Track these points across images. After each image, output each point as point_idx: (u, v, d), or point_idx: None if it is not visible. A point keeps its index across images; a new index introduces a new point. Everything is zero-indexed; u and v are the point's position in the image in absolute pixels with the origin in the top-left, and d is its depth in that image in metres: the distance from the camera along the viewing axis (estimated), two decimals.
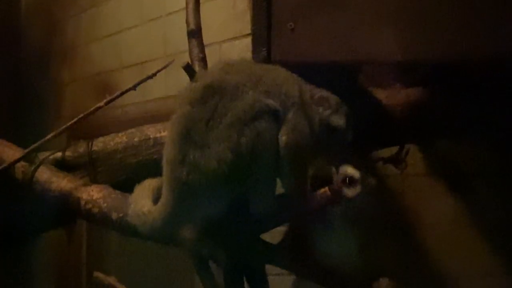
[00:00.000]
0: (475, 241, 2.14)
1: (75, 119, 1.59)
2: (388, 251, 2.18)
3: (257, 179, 1.30)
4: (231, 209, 1.33)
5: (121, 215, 1.46)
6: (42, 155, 1.73)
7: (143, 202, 1.39)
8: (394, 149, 1.89)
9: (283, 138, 1.32)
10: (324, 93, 1.40)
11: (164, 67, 1.61)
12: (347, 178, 1.30)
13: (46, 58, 3.36)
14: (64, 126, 1.58)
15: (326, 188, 1.28)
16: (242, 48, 2.38)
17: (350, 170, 1.31)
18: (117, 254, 2.81)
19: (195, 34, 1.76)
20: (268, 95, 1.33)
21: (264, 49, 1.45)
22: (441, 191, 2.17)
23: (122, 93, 1.61)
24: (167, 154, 1.33)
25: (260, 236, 1.43)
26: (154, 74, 1.62)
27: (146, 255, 2.54)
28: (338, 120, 1.39)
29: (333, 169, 1.32)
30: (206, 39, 2.08)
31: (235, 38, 2.48)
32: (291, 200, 1.33)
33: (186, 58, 1.78)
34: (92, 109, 1.58)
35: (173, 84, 2.28)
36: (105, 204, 1.51)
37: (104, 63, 3.02)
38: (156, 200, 1.38)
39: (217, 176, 1.27)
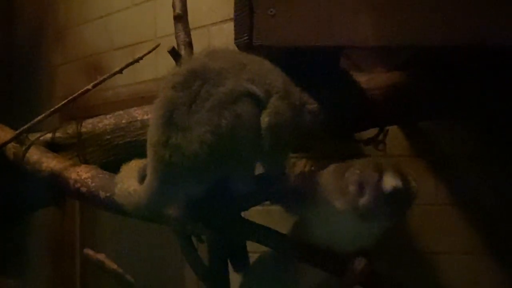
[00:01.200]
0: (456, 220, 2.19)
1: (64, 102, 1.64)
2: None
3: (237, 160, 1.35)
4: (213, 188, 1.38)
5: (108, 194, 1.51)
6: (33, 136, 1.77)
7: (129, 182, 1.44)
8: (374, 131, 1.95)
9: (265, 120, 1.37)
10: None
11: (150, 51, 1.65)
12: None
13: (38, 40, 3.38)
14: (53, 109, 1.63)
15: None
16: (231, 31, 2.41)
17: (390, 181, 1.36)
18: (111, 231, 2.87)
19: (181, 18, 1.79)
20: (252, 83, 1.38)
21: (245, 34, 1.49)
22: (423, 171, 2.22)
23: (109, 76, 1.66)
24: (151, 136, 1.37)
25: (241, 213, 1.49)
26: (140, 58, 1.66)
27: (139, 233, 2.60)
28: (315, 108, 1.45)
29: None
30: (194, 22, 2.11)
31: (223, 21, 2.51)
32: (270, 180, 1.39)
33: (175, 41, 1.83)
34: (80, 91, 1.63)
35: (163, 66, 2.31)
36: (93, 184, 1.57)
37: (96, 45, 3.05)
38: (141, 180, 1.43)
39: (198, 157, 1.32)
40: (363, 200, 1.39)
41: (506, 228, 2.13)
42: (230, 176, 1.39)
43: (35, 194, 1.79)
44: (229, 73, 1.37)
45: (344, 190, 1.40)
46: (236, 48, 1.53)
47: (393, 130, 2.18)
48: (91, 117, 1.95)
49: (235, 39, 1.53)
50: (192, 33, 1.83)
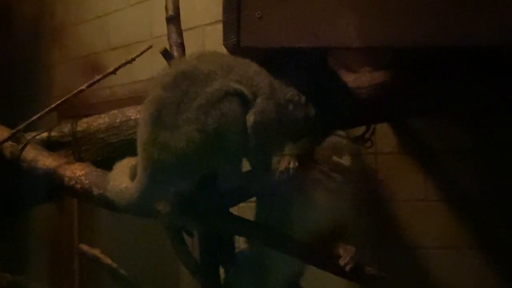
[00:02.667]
0: (445, 215, 2.22)
1: (58, 102, 1.68)
2: (361, 226, 2.28)
3: (224, 157, 1.40)
4: (201, 184, 1.43)
5: (101, 191, 1.56)
6: (29, 135, 1.82)
7: (121, 179, 1.49)
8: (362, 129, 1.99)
9: (250, 118, 1.42)
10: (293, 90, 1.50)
11: (142, 52, 1.69)
12: None
13: (36, 40, 3.42)
14: (47, 108, 1.68)
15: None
16: None
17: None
18: (108, 228, 2.91)
19: (173, 19, 1.83)
20: (239, 84, 1.43)
21: (233, 36, 1.53)
22: (412, 168, 2.26)
23: (104, 77, 1.70)
24: (140, 135, 1.42)
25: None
26: (133, 59, 1.70)
27: (137, 229, 2.64)
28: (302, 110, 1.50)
29: None
30: (189, 22, 2.15)
31: (218, 21, 2.54)
32: (256, 176, 1.44)
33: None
34: (74, 92, 1.67)
35: (158, 66, 2.36)
36: (87, 181, 1.61)
37: (93, 44, 3.09)
38: (133, 177, 1.47)
39: (186, 155, 1.36)
40: None
41: (495, 223, 2.16)
42: (218, 173, 1.43)
43: (32, 192, 1.83)
44: (217, 75, 1.41)
45: None
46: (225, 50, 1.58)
47: (383, 128, 2.23)
48: (88, 116, 2.00)
49: (224, 40, 1.58)
50: (186, 33, 1.87)
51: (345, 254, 1.54)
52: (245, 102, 1.42)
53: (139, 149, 1.42)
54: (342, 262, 1.52)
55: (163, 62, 1.72)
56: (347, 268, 1.52)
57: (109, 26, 3.02)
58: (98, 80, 1.69)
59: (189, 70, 1.43)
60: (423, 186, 2.25)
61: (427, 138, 2.26)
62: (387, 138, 2.26)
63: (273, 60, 1.60)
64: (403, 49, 1.58)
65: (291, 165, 1.42)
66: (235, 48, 1.53)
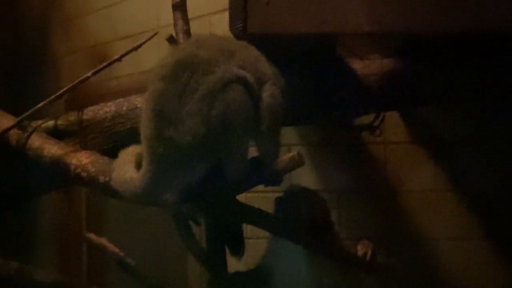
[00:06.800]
0: (455, 206, 2.22)
1: (65, 88, 1.67)
2: (371, 216, 2.27)
3: (230, 147, 1.36)
4: (208, 174, 1.40)
5: (107, 179, 1.53)
6: (35, 123, 1.81)
7: (126, 168, 1.46)
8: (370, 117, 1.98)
9: (264, 100, 1.38)
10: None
11: (148, 39, 1.67)
12: None
13: (44, 31, 3.42)
14: (54, 95, 1.67)
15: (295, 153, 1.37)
16: None
17: None
18: (116, 217, 2.91)
19: (179, 6, 1.82)
20: (242, 70, 1.37)
21: (240, 22, 1.52)
22: (422, 158, 2.25)
23: (109, 64, 1.68)
24: (144, 129, 1.38)
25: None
26: (139, 46, 1.68)
27: (145, 218, 2.64)
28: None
29: None
30: (195, 11, 2.13)
31: (224, 9, 2.52)
32: (264, 163, 1.42)
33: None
34: (80, 79, 1.66)
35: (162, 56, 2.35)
36: (93, 169, 1.59)
37: (100, 35, 3.09)
38: (138, 166, 1.44)
39: (192, 149, 1.32)
40: None
41: (505, 213, 2.16)
42: (224, 162, 1.39)
43: (38, 180, 1.83)
44: (218, 62, 1.36)
45: None
46: (230, 35, 1.56)
47: (392, 117, 2.21)
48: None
49: (230, 27, 1.56)
50: (193, 22, 1.85)
51: (362, 247, 1.56)
52: (249, 89, 1.38)
53: (143, 143, 1.39)
54: (360, 252, 1.52)
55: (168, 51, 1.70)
56: (368, 256, 1.52)
57: (116, 16, 3.01)
58: (104, 67, 1.68)
59: (188, 58, 1.37)
60: (433, 176, 2.24)
61: (436, 128, 2.25)
62: (396, 128, 2.25)
63: (280, 46, 1.58)
64: (413, 36, 1.56)
65: (297, 156, 1.39)
66: (242, 34, 1.52)
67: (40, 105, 1.67)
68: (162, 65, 1.40)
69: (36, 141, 1.73)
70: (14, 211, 2.18)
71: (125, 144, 1.58)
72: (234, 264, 1.70)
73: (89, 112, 1.92)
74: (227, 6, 2.47)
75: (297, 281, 1.69)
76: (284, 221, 1.50)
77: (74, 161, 1.63)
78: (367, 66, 1.80)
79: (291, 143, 2.26)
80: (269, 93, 1.40)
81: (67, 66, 3.29)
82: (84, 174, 1.60)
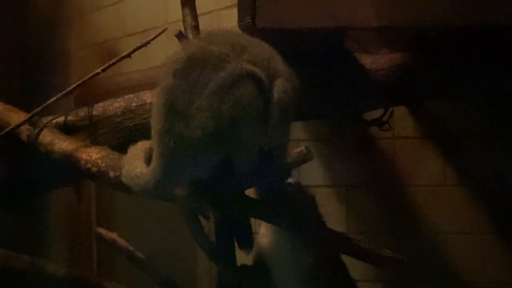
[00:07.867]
0: (464, 200, 2.22)
1: (74, 85, 1.69)
2: (379, 211, 2.28)
3: (240, 142, 1.36)
4: (217, 168, 1.40)
5: (117, 174, 1.54)
6: (46, 119, 1.83)
7: (136, 163, 1.46)
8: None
9: (275, 95, 1.39)
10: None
11: (158, 35, 1.68)
12: None
13: (52, 27, 3.44)
14: (63, 92, 1.68)
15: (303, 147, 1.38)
16: None
17: None
18: (126, 212, 2.93)
19: (188, 2, 1.83)
20: (253, 65, 1.37)
21: (249, 17, 1.52)
22: (430, 152, 2.25)
23: (118, 60, 1.69)
24: (154, 124, 1.39)
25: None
26: (148, 42, 1.69)
27: (155, 213, 2.65)
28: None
29: None
30: (204, 7, 2.14)
31: (233, 5, 2.53)
32: (274, 157, 1.42)
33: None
34: (89, 75, 1.67)
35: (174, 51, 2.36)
36: (103, 164, 1.61)
37: (109, 31, 3.10)
38: (147, 161, 1.45)
39: (202, 144, 1.33)
40: None
41: None
42: (234, 157, 1.40)
43: (49, 175, 1.85)
44: (228, 57, 1.36)
45: None
46: (238, 31, 1.56)
47: (401, 112, 2.21)
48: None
49: (239, 21, 1.57)
50: (202, 18, 1.85)
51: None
52: (260, 84, 1.38)
53: (154, 138, 1.39)
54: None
55: (178, 47, 1.71)
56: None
57: (125, 13, 3.02)
58: (113, 64, 1.69)
59: (199, 54, 1.38)
60: (442, 171, 2.24)
61: (446, 123, 2.24)
62: (405, 122, 2.25)
63: (289, 41, 1.59)
64: (422, 30, 1.56)
65: (305, 150, 1.39)
66: (251, 28, 1.52)
67: (50, 101, 1.68)
68: (174, 60, 1.41)
69: (46, 137, 1.74)
70: (25, 206, 2.20)
71: (134, 139, 1.59)
72: (242, 258, 1.71)
73: (99, 108, 1.93)
74: (235, 1, 2.49)
75: (302, 272, 1.69)
76: (293, 215, 1.50)
77: (84, 156, 1.64)
78: (376, 60, 1.80)
79: (299, 138, 2.26)
80: (280, 89, 1.40)
81: (76, 62, 3.31)
82: (94, 169, 1.61)
